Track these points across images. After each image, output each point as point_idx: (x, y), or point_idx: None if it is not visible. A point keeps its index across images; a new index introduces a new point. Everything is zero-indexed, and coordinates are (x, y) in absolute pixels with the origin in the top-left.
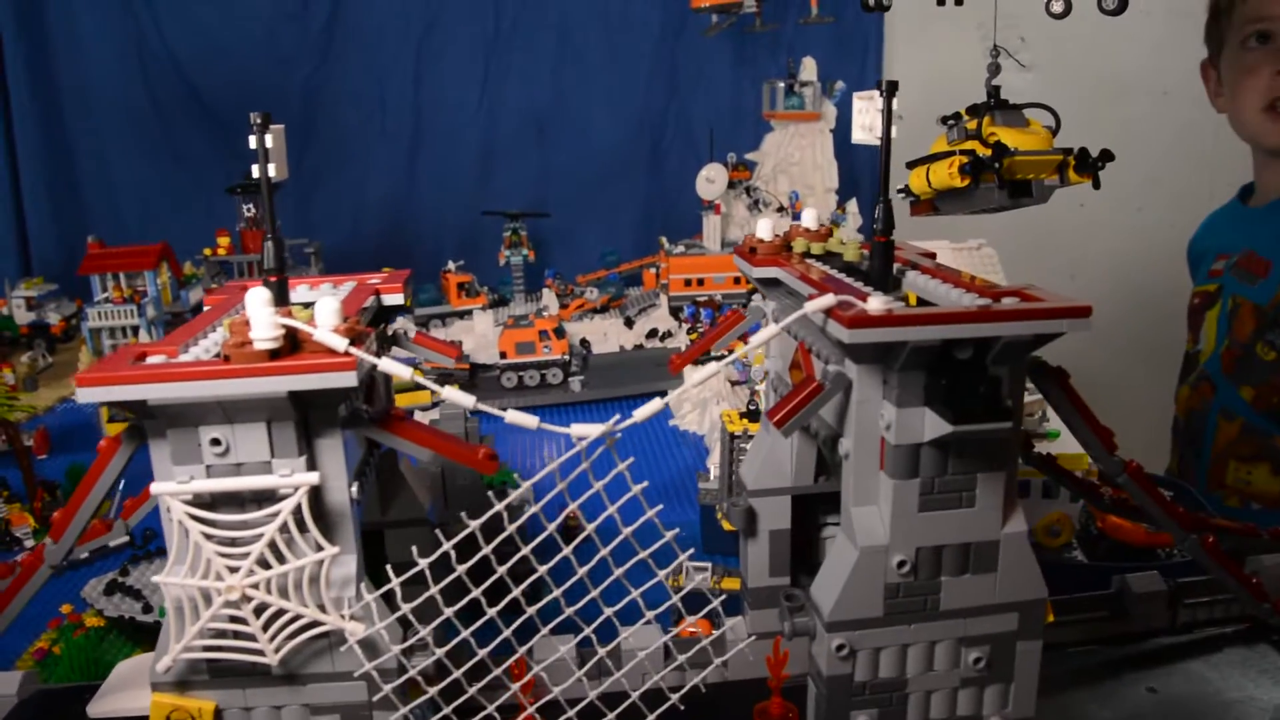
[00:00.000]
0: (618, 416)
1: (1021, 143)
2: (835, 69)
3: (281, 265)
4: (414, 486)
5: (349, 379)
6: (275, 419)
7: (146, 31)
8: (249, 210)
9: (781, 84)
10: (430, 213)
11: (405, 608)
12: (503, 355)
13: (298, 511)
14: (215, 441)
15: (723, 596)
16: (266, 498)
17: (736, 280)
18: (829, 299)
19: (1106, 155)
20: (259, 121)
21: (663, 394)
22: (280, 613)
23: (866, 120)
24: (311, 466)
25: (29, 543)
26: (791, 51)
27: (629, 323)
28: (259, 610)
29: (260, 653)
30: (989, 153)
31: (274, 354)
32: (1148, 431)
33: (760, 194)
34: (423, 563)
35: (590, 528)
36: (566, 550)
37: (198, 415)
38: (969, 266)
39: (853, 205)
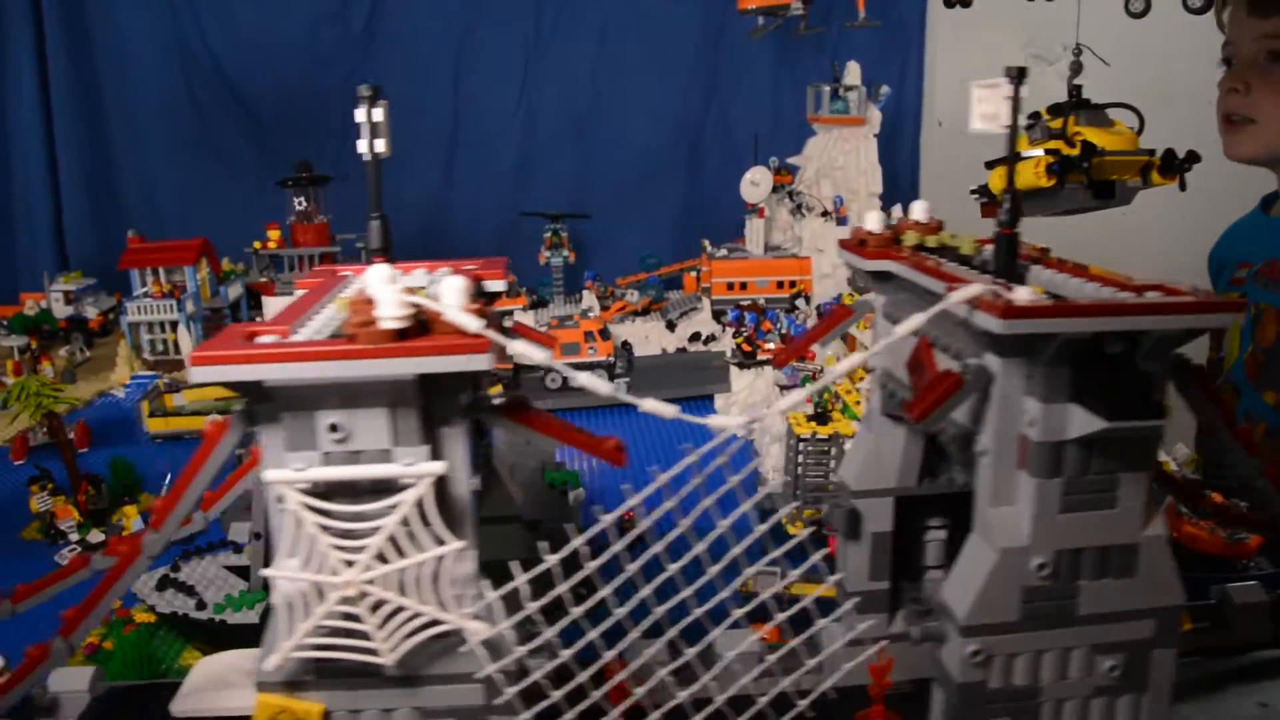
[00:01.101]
0: (746, 415)
1: (1108, 143)
2: (876, 73)
3: (389, 246)
4: (506, 483)
5: (483, 361)
6: (398, 404)
7: (187, 30)
8: (300, 204)
9: (827, 88)
10: (467, 213)
11: (531, 607)
12: None
13: (419, 504)
14: (333, 427)
15: (803, 601)
16: (384, 488)
17: (779, 284)
18: (976, 288)
19: (1193, 157)
20: (368, 95)
21: (710, 398)
22: (398, 610)
23: (989, 109)
24: (434, 456)
25: (74, 536)
26: (836, 55)
27: (671, 326)
28: (375, 607)
29: (374, 652)
30: (1075, 152)
31: (401, 334)
32: (1172, 435)
33: (803, 198)
34: (551, 559)
35: (675, 536)
36: (658, 547)
37: (316, 399)
38: None
39: (897, 210)
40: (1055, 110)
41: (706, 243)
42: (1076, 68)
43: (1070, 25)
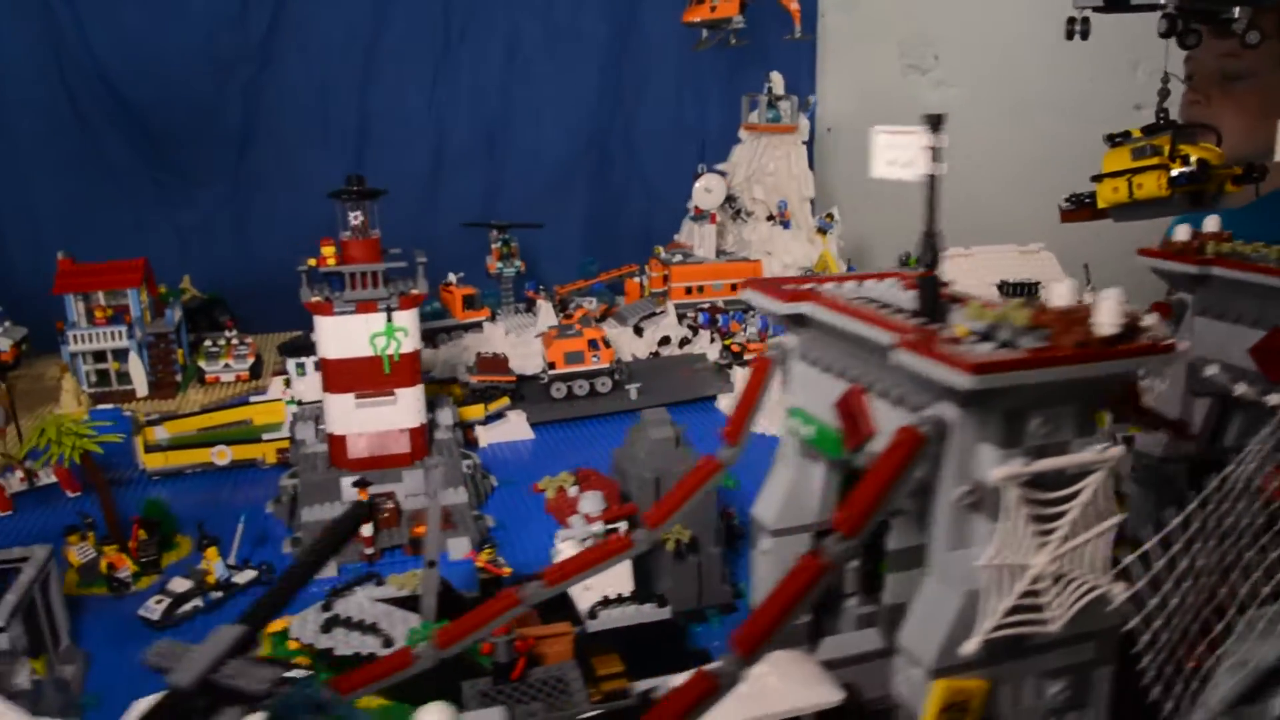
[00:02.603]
0: None
1: (1210, 158)
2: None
3: (935, 260)
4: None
5: (1171, 360)
6: (1087, 400)
7: (67, 35)
8: (355, 218)
9: (763, 96)
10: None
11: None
12: (551, 365)
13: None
14: (1040, 424)
15: None
16: (1070, 475)
17: (733, 287)
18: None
19: (1263, 170)
20: (932, 123)
21: (712, 399)
22: (1071, 581)
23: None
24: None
25: (134, 586)
26: (737, 65)
27: (639, 331)
28: (1056, 580)
29: (1044, 623)
30: (1183, 168)
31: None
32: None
33: (741, 203)
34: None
35: None
36: None
37: (1034, 400)
38: (1032, 269)
39: (835, 211)
40: (1150, 130)
41: (660, 248)
42: (1164, 93)
43: (939, 34)
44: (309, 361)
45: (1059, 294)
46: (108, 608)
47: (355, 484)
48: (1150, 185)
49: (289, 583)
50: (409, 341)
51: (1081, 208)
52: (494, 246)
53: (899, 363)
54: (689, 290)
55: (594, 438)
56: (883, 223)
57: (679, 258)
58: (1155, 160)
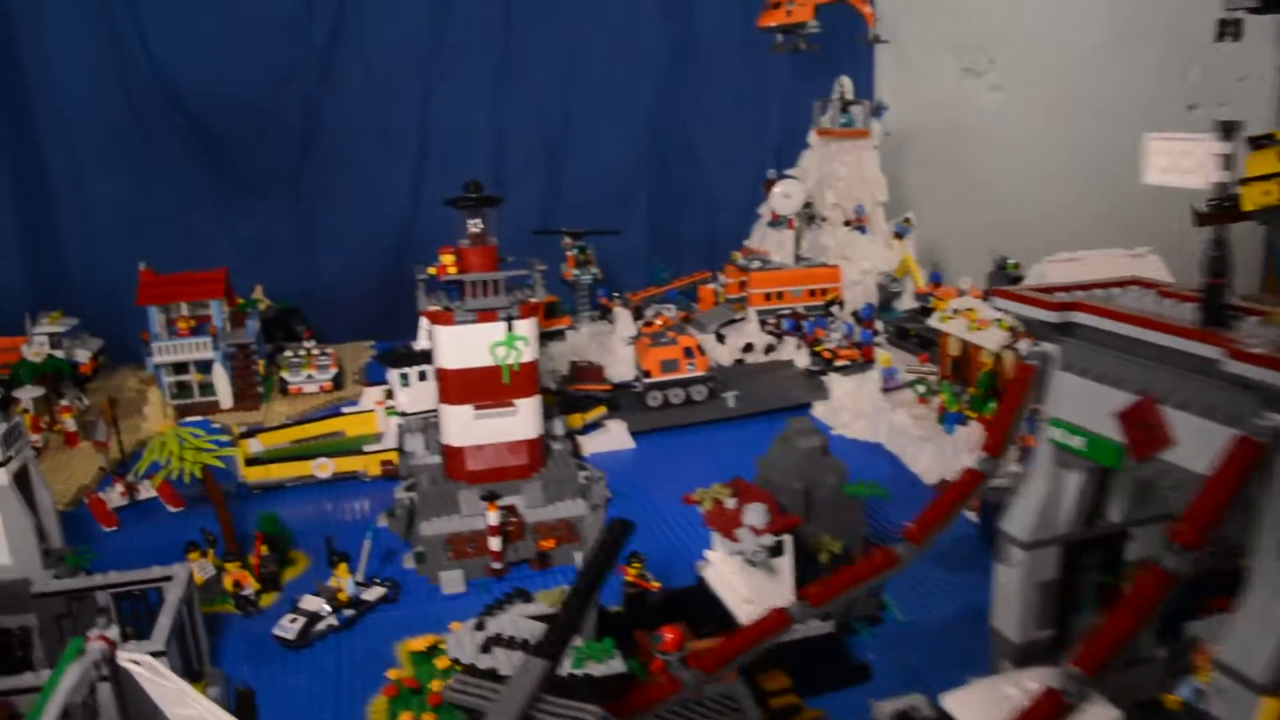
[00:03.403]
0: None
1: None
2: (830, 88)
3: (1223, 269)
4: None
5: None
6: None
7: (127, 40)
8: (475, 225)
9: (835, 101)
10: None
11: None
12: (646, 374)
13: None
14: None
15: None
16: None
17: (811, 293)
18: None
19: None
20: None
21: (808, 405)
22: None
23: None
24: None
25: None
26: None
27: (720, 338)
28: None
29: None
30: None
31: None
32: None
33: (815, 208)
34: None
35: None
36: None
37: None
38: (1140, 270)
39: (911, 215)
40: None
41: (737, 254)
42: None
43: (994, 37)
44: (413, 372)
45: None
46: (235, 626)
47: (483, 498)
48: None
49: (575, 608)
50: (529, 351)
51: (1223, 212)
52: (569, 254)
53: (1235, 373)
54: (768, 296)
55: (695, 446)
56: (947, 226)
57: (758, 264)
58: None
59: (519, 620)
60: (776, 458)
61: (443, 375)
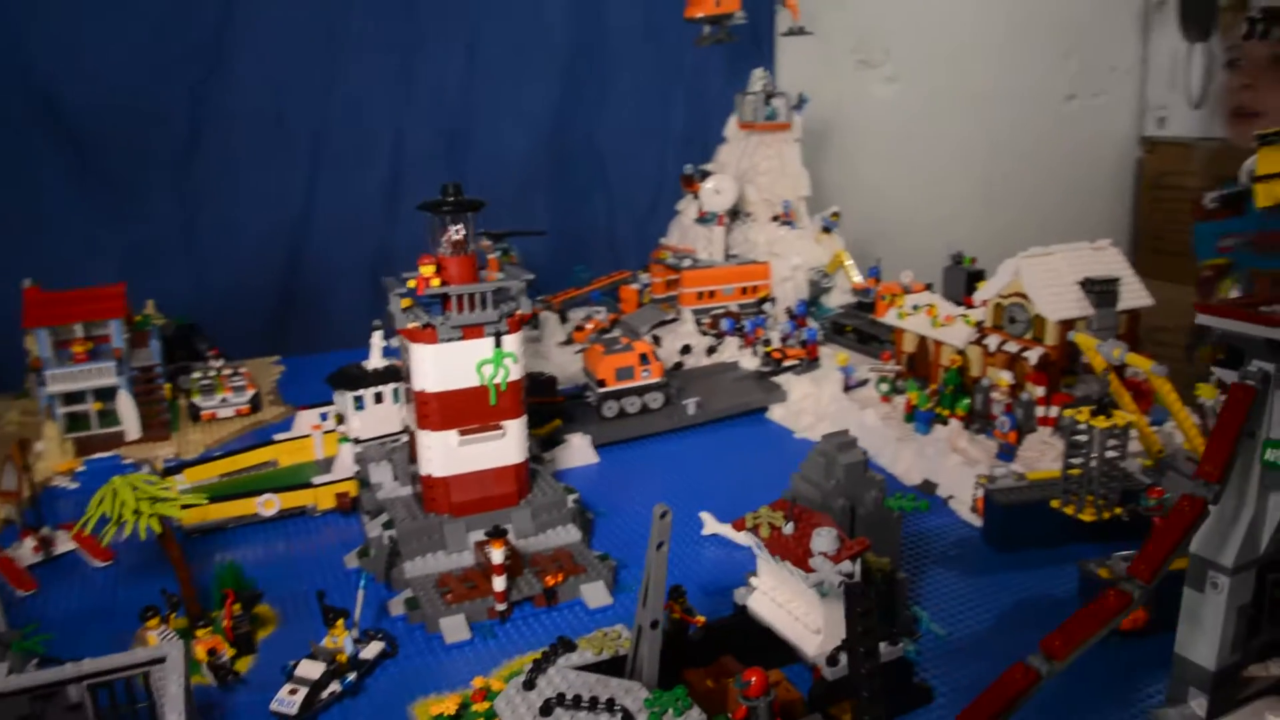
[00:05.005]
0: None
1: None
2: (738, 79)
3: None
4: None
5: None
6: None
7: None
8: (457, 232)
9: (758, 95)
10: (337, 233)
11: None
12: (601, 383)
13: None
14: None
15: None
16: None
17: (744, 290)
18: None
19: None
20: None
21: (763, 410)
22: None
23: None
24: None
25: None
26: (699, 67)
27: (656, 340)
28: None
29: None
30: None
31: None
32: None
33: (740, 204)
34: None
35: None
36: None
37: None
38: (1105, 265)
39: (838, 209)
40: None
41: (667, 253)
42: None
43: (890, 32)
44: (368, 394)
45: None
46: (216, 701)
47: (489, 533)
48: None
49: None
50: (516, 368)
51: (1226, 205)
52: (490, 257)
53: None
54: (700, 295)
55: (659, 457)
56: (852, 218)
57: (688, 262)
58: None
59: (570, 675)
60: (813, 473)
61: (423, 399)
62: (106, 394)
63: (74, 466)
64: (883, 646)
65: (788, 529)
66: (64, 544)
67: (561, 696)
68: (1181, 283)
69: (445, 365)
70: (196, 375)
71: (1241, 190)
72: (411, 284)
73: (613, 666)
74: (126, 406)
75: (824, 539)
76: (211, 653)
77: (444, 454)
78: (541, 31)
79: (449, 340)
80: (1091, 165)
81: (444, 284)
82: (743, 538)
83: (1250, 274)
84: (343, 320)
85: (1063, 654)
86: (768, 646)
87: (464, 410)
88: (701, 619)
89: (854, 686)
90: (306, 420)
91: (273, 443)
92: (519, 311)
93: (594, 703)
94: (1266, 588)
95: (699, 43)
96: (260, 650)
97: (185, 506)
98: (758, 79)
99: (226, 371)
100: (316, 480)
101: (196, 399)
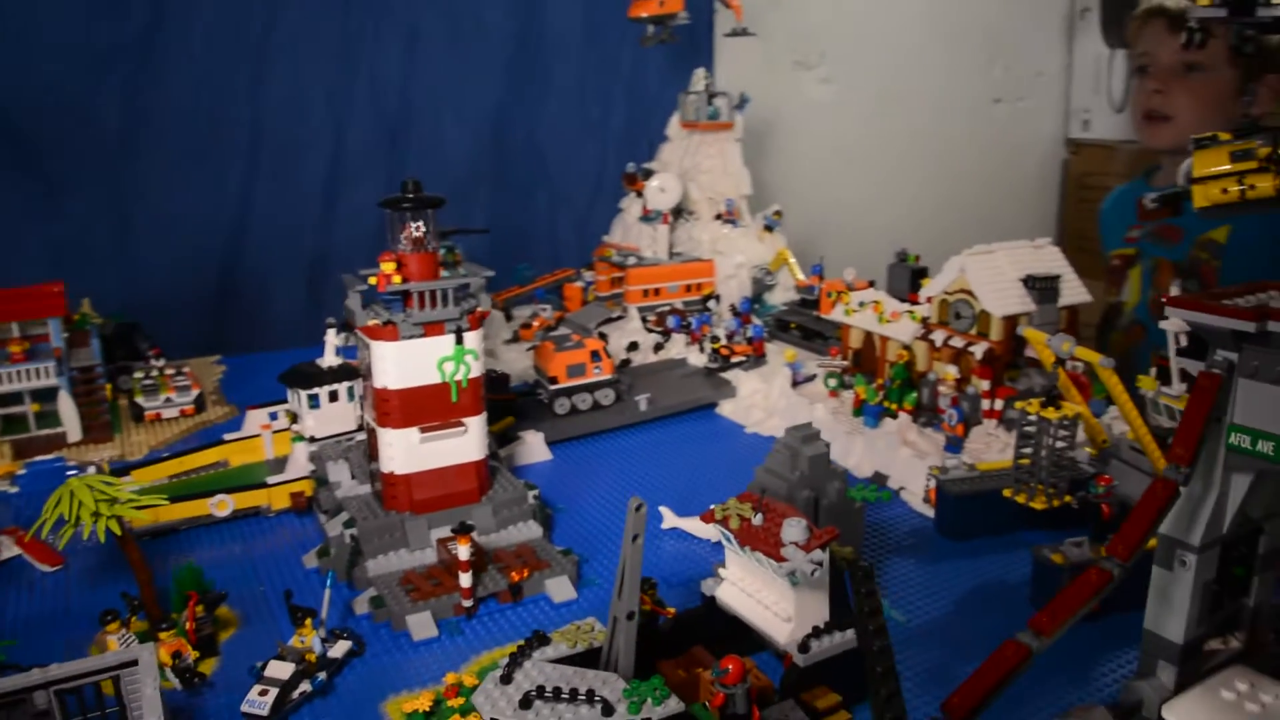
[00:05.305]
0: None
1: None
2: (676, 79)
3: None
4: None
5: None
6: None
7: None
8: (418, 229)
9: (700, 95)
10: (273, 231)
11: None
12: (553, 380)
13: None
14: None
15: None
16: None
17: (688, 288)
18: None
19: None
20: None
21: (712, 406)
22: None
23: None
24: None
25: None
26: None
27: (603, 337)
28: None
29: None
30: None
31: None
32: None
33: (683, 202)
34: None
35: None
36: None
37: None
38: (1046, 263)
39: (779, 208)
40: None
41: (612, 250)
42: (1249, 101)
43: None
44: (323, 392)
45: None
46: (183, 704)
47: (455, 530)
48: (1265, 186)
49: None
50: (477, 365)
51: (1165, 206)
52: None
53: None
54: (645, 293)
55: (611, 453)
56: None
57: (633, 260)
58: (1255, 164)
59: (547, 668)
60: (779, 465)
61: (383, 396)
62: (45, 395)
63: (13, 470)
64: (849, 634)
65: (757, 520)
66: (8, 550)
67: (541, 689)
68: (1098, 279)
69: (407, 362)
70: (139, 375)
71: (1180, 191)
72: (372, 281)
73: (588, 659)
74: (67, 407)
75: (794, 529)
76: (175, 655)
77: (405, 451)
78: (482, 28)
79: (410, 337)
80: (1021, 166)
81: (405, 281)
82: (711, 530)
83: (1154, 263)
84: (282, 319)
85: (1050, 630)
86: (736, 636)
87: (425, 407)
88: (672, 610)
89: (867, 663)
90: (256, 420)
91: (222, 443)
92: (479, 308)
93: (573, 694)
94: (1228, 564)
95: (644, 42)
96: (223, 652)
97: (144, 507)
98: (700, 79)
99: (170, 371)
100: (271, 480)
101: (140, 399)
